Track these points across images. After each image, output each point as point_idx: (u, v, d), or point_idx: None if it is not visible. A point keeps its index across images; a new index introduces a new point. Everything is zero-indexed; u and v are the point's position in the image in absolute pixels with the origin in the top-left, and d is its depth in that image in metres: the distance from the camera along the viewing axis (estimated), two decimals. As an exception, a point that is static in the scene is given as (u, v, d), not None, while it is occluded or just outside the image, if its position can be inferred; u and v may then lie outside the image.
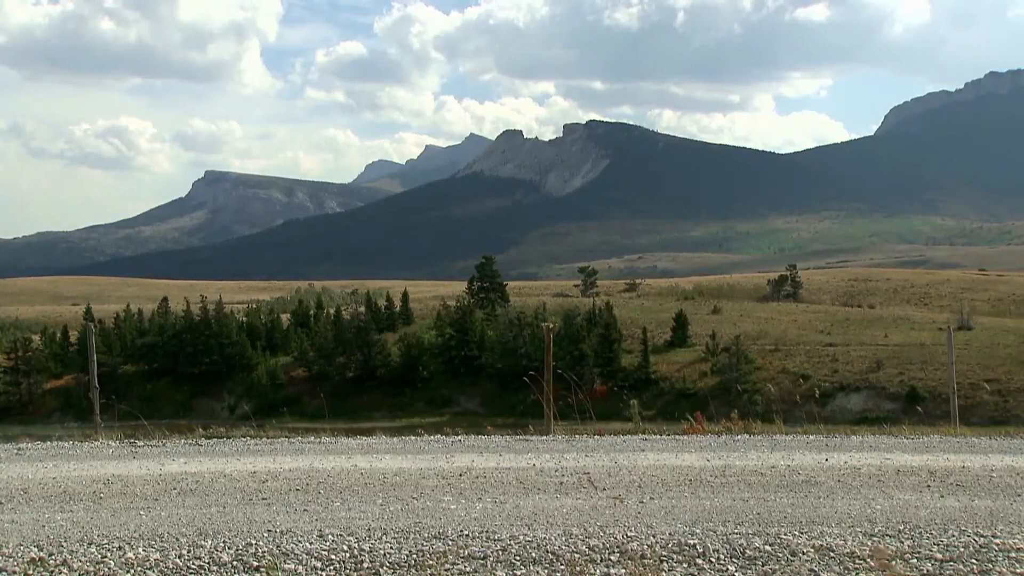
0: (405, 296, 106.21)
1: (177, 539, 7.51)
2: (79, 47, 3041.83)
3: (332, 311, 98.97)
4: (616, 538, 7.44)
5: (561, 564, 6.90)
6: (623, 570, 6.77)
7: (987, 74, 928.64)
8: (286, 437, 13.54)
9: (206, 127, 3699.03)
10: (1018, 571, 6.84)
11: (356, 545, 7.33)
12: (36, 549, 7.30)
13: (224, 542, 7.44)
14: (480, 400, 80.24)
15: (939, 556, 7.09)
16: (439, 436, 13.30)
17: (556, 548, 7.20)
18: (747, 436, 13.31)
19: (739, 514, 8.17)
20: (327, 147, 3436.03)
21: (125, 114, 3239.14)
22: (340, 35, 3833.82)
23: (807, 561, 6.98)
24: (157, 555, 7.16)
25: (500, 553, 7.12)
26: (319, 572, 6.86)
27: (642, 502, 8.59)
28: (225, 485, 9.49)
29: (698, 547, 7.24)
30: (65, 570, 6.91)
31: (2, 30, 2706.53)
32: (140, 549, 7.29)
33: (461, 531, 7.65)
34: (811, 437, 13.08)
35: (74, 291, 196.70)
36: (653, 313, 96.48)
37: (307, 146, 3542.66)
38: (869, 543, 7.36)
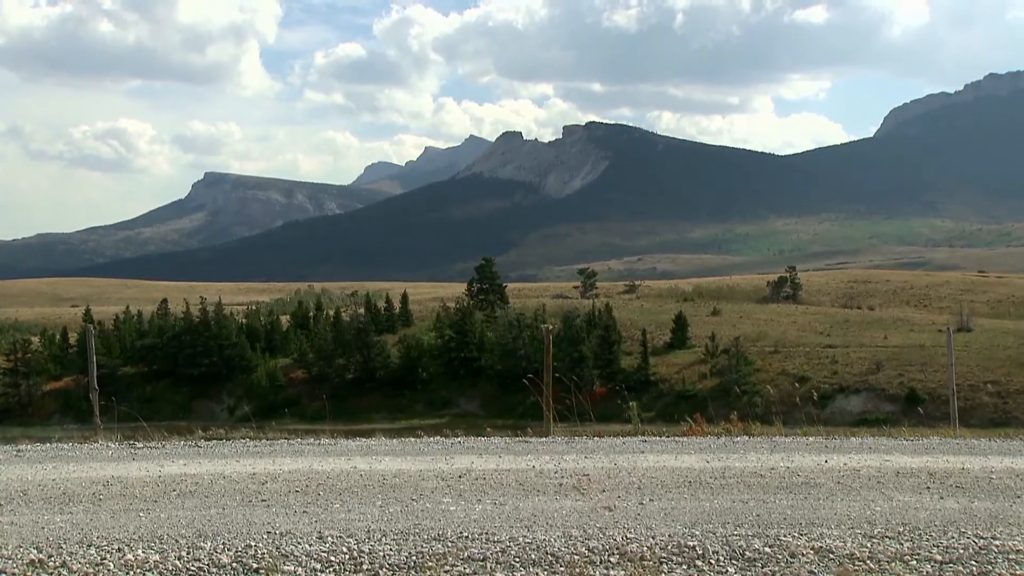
0: (405, 298, 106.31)
1: (176, 541, 7.51)
2: (78, 49, 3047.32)
3: (331, 313, 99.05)
4: (615, 540, 7.43)
5: (560, 566, 6.90)
6: (622, 572, 6.76)
7: (986, 76, 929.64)
8: (285, 439, 13.54)
9: (205, 129, 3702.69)
10: (1018, 573, 6.84)
11: (355, 547, 7.33)
12: (35, 551, 7.29)
13: (224, 544, 7.43)
14: (479, 402, 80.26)
15: (939, 558, 7.09)
16: (438, 438, 13.29)
17: (555, 550, 7.19)
18: (747, 438, 13.31)
19: (739, 516, 8.17)
20: (326, 149, 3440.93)
21: (124, 116, 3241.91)
22: (339, 37, 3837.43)
23: (807, 563, 6.98)
24: (156, 557, 7.16)
25: (499, 555, 7.12)
26: (318, 574, 6.85)
27: (641, 504, 8.58)
28: (224, 487, 9.49)
29: (697, 549, 7.24)
30: (64, 572, 6.91)
31: (1, 32, 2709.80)
32: (139, 551, 7.29)
33: (460, 533, 7.64)
34: (810, 439, 13.08)
35: (73, 293, 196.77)
36: (652, 315, 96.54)
37: (306, 148, 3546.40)
38: (868, 545, 7.36)
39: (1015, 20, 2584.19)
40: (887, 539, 7.50)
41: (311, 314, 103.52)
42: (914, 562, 7.01)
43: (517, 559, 7.03)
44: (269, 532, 7.73)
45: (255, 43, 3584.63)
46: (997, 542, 7.46)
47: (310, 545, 7.38)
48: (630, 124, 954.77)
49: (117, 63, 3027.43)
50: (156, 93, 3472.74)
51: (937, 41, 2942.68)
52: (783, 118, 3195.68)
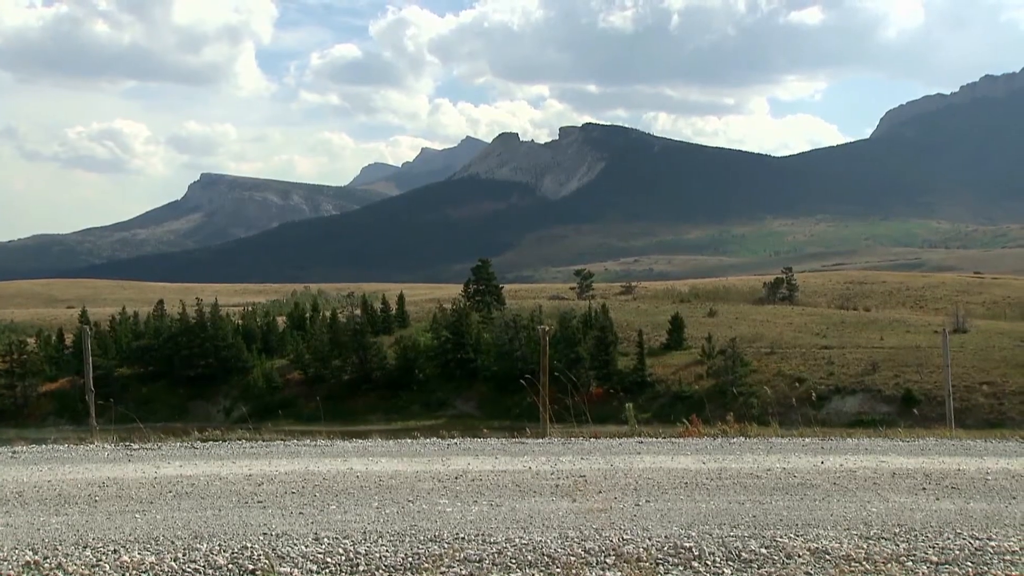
0: (401, 299, 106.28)
1: (172, 542, 7.50)
2: (73, 50, 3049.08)
3: (328, 314, 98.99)
4: (612, 541, 7.42)
5: (557, 567, 6.89)
6: (619, 573, 6.76)
7: (982, 77, 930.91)
8: (282, 440, 13.52)
9: (201, 130, 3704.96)
10: (1013, 574, 6.84)
11: (352, 548, 7.32)
12: (31, 552, 7.28)
13: (219, 545, 7.42)
14: (476, 403, 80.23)
15: (934, 559, 7.09)
16: (435, 439, 13.29)
17: (552, 551, 7.19)
18: (743, 439, 13.32)
19: (735, 517, 8.17)
20: (322, 150, 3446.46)
21: (120, 117, 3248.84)
22: (335, 38, 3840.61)
23: (803, 564, 6.98)
24: (152, 558, 7.15)
25: (496, 556, 7.11)
26: (314, 575, 6.85)
27: (638, 505, 8.58)
28: (221, 488, 9.48)
29: (694, 550, 7.23)
30: (60, 573, 6.89)
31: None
32: (135, 552, 7.28)
33: (457, 534, 7.64)
34: (807, 440, 13.08)
35: (69, 294, 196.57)
36: (649, 316, 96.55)
37: (302, 149, 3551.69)
38: (864, 546, 7.36)
39: (1010, 22, 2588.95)
40: (883, 540, 7.50)
41: (307, 315, 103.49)
42: (910, 563, 7.01)
43: (513, 560, 7.02)
44: (265, 534, 7.72)
45: (250, 44, 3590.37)
46: (993, 543, 7.46)
47: (306, 547, 7.37)
48: (626, 125, 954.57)
49: (112, 64, 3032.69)
50: (151, 94, 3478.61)
51: (933, 43, 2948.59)
52: (778, 119, 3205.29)
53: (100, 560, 7.12)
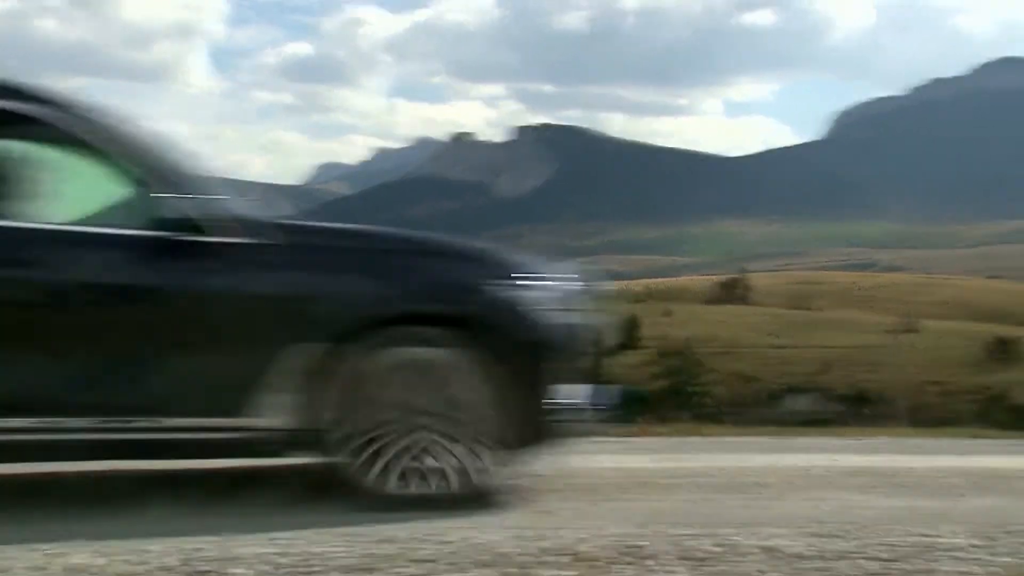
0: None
1: (123, 544, 7.42)
2: (20, 46, 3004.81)
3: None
4: (567, 540, 7.43)
5: (512, 567, 6.89)
6: (574, 572, 6.77)
7: (932, 80, 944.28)
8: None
9: (151, 128, 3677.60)
10: (962, 570, 6.92)
11: (306, 549, 7.28)
12: (-23, 556, 7.17)
13: (171, 547, 7.35)
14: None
15: (885, 556, 7.15)
16: (390, 439, 13.21)
17: (507, 550, 7.18)
18: (697, 438, 13.37)
19: (689, 516, 8.19)
20: (275, 149, 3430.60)
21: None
22: (287, 36, 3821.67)
23: (755, 562, 7.03)
24: (102, 560, 7.07)
25: (450, 556, 7.10)
26: (268, 576, 6.79)
27: (593, 504, 8.60)
28: (174, 488, 9.38)
29: (648, 549, 7.26)
30: (7, 576, 6.79)
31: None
32: (86, 555, 7.19)
33: (412, 534, 7.62)
34: (760, 439, 13.17)
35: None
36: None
37: (255, 147, 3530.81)
38: (817, 544, 7.42)
39: (958, 25, 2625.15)
40: (835, 538, 7.55)
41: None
42: (861, 560, 7.07)
43: (468, 560, 7.01)
44: (218, 534, 7.65)
45: (202, 41, 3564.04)
46: (942, 540, 7.54)
47: (261, 548, 7.32)
48: (581, 125, 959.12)
49: (61, 61, 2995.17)
50: (100, 91, 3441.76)
51: (883, 45, 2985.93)
52: (733, 120, 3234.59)
53: (49, 564, 7.03)
